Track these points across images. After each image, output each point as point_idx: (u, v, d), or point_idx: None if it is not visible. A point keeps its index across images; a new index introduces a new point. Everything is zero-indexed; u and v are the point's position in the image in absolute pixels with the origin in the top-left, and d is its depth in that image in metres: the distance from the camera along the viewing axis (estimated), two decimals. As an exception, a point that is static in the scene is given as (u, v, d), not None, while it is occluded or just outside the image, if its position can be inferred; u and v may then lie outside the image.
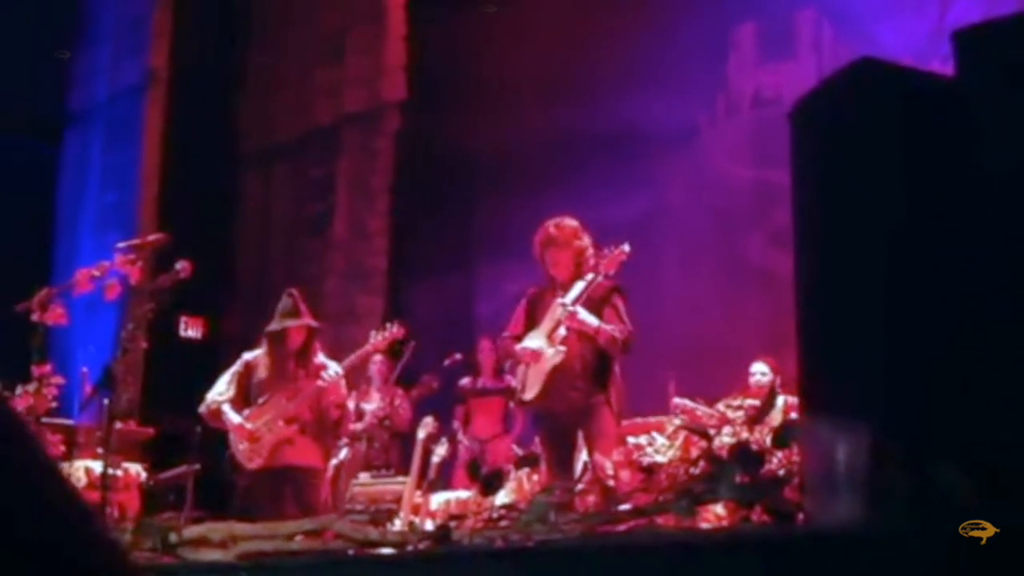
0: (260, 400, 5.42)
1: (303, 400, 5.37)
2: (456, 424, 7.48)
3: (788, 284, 2.73)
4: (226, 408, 5.44)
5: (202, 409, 5.52)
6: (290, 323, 5.45)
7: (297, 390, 5.38)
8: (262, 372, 5.48)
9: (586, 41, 8.40)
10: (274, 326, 5.49)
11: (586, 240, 5.11)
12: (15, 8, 10.26)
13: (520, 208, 7.85)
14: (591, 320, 4.94)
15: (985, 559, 1.91)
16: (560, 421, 5.06)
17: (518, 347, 5.12)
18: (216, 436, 5.75)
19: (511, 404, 6.72)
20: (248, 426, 5.35)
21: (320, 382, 5.35)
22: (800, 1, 7.91)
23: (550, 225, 5.13)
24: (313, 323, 5.55)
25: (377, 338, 5.75)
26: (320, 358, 5.51)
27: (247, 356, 5.60)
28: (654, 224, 7.79)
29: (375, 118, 9.83)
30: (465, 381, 7.51)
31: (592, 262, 5.05)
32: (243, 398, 5.49)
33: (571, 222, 5.15)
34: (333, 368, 5.41)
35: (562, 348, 4.95)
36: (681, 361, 7.29)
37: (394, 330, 5.78)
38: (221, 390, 5.52)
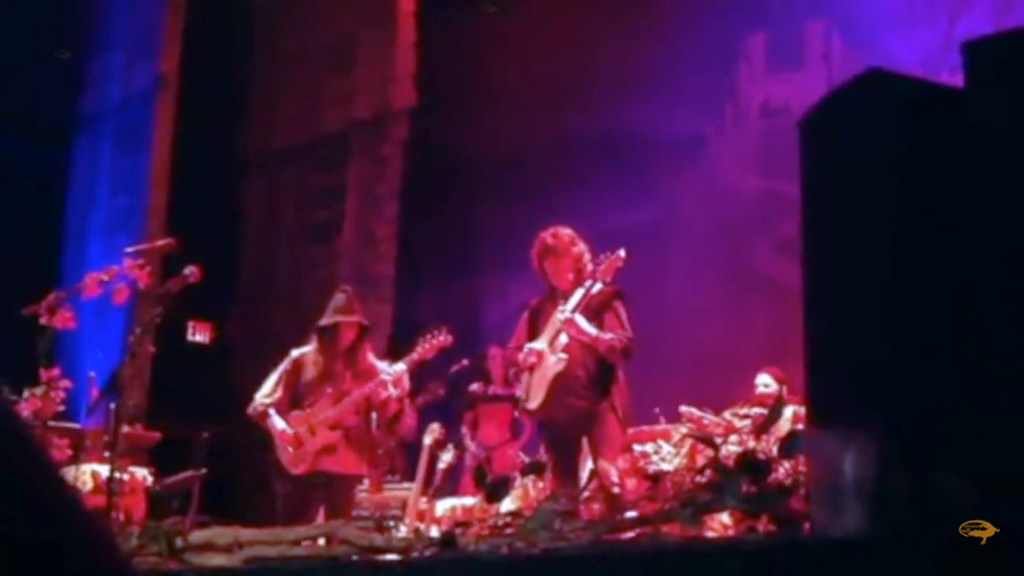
0: (306, 403, 5.36)
1: (349, 404, 5.30)
2: (464, 430, 7.48)
3: (795, 293, 2.73)
4: (272, 412, 5.36)
5: (250, 410, 5.44)
6: (342, 318, 5.38)
7: (343, 393, 5.32)
8: (310, 371, 5.40)
9: (594, 49, 8.42)
10: (325, 320, 5.40)
11: (582, 247, 5.13)
12: (26, 13, 10.31)
13: (528, 216, 7.84)
14: (589, 329, 4.94)
15: (988, 566, 1.90)
16: (565, 429, 5.06)
17: (522, 352, 5.13)
18: (225, 441, 5.75)
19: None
20: (291, 431, 5.29)
21: (384, 375, 5.27)
22: (810, 12, 7.91)
23: (546, 235, 5.15)
24: (365, 321, 5.49)
25: (424, 345, 5.56)
26: (371, 359, 5.44)
27: (295, 353, 5.50)
28: (661, 233, 7.80)
29: (383, 125, 9.85)
30: (475, 387, 7.51)
31: (590, 268, 5.06)
32: (290, 398, 5.40)
33: (566, 231, 5.16)
34: (397, 364, 5.34)
35: (564, 355, 4.96)
36: (687, 369, 7.29)
37: (442, 338, 5.57)
38: (268, 391, 5.43)
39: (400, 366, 5.35)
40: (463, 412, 7.48)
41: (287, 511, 5.29)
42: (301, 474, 5.28)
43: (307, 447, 5.27)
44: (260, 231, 10.70)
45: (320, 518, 5.17)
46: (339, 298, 5.47)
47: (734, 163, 8.18)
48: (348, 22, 10.27)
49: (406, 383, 5.44)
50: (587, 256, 5.10)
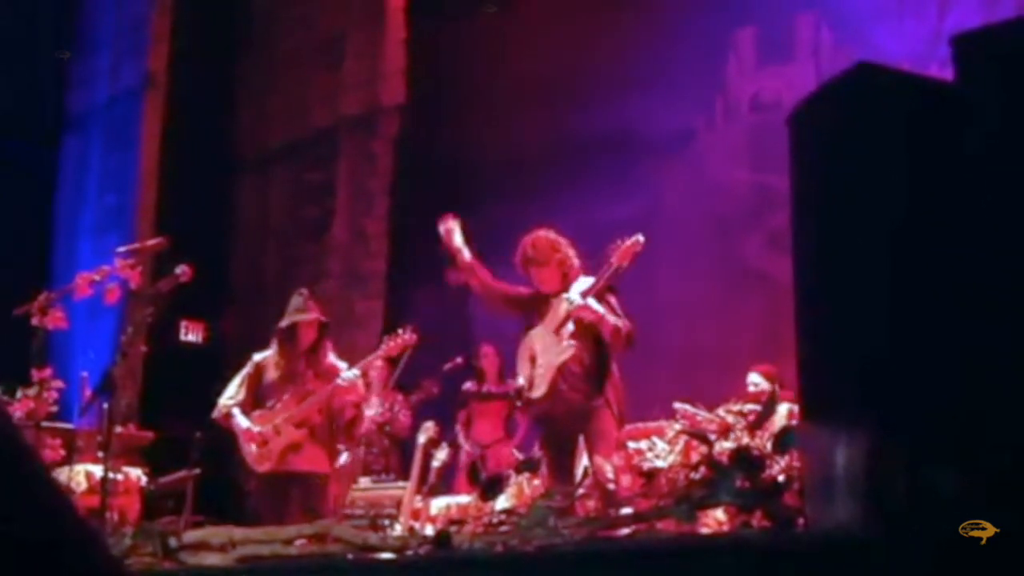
0: (269, 403, 5.42)
1: (313, 403, 5.36)
2: (458, 428, 7.48)
3: (785, 287, 2.73)
4: (236, 412, 5.44)
5: (215, 413, 5.53)
6: (300, 318, 5.45)
7: (306, 392, 5.38)
8: (272, 373, 5.48)
9: (585, 45, 8.41)
10: (284, 322, 5.49)
11: (564, 250, 5.12)
12: (14, 11, 10.26)
13: (519, 212, 7.83)
14: (599, 308, 4.94)
15: (984, 562, 1.91)
16: (561, 425, 5.06)
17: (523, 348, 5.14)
18: (218, 441, 5.75)
19: (514, 409, 6.72)
20: (256, 429, 5.35)
21: (340, 381, 5.34)
22: (799, 5, 7.91)
23: (527, 244, 5.15)
24: (323, 318, 5.54)
25: (389, 344, 5.67)
26: (331, 359, 5.50)
27: (257, 357, 5.58)
28: (651, 227, 7.76)
29: (374, 122, 9.83)
30: (468, 385, 7.51)
31: (577, 266, 5.07)
32: (253, 400, 5.48)
33: (546, 236, 5.16)
34: (351, 371, 5.40)
35: (572, 343, 4.96)
36: (677, 364, 7.30)
37: (406, 337, 5.66)
38: (231, 393, 5.53)
39: (355, 372, 5.39)
40: (457, 410, 7.48)
41: (256, 509, 5.32)
42: (268, 472, 5.33)
43: (272, 445, 5.34)
44: (250, 228, 10.68)
45: (295, 517, 5.17)
46: (296, 300, 5.55)
47: (724, 157, 8.18)
48: (337, 18, 10.24)
49: (361, 389, 5.53)
50: (572, 258, 5.11)
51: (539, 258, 5.10)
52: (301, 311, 5.49)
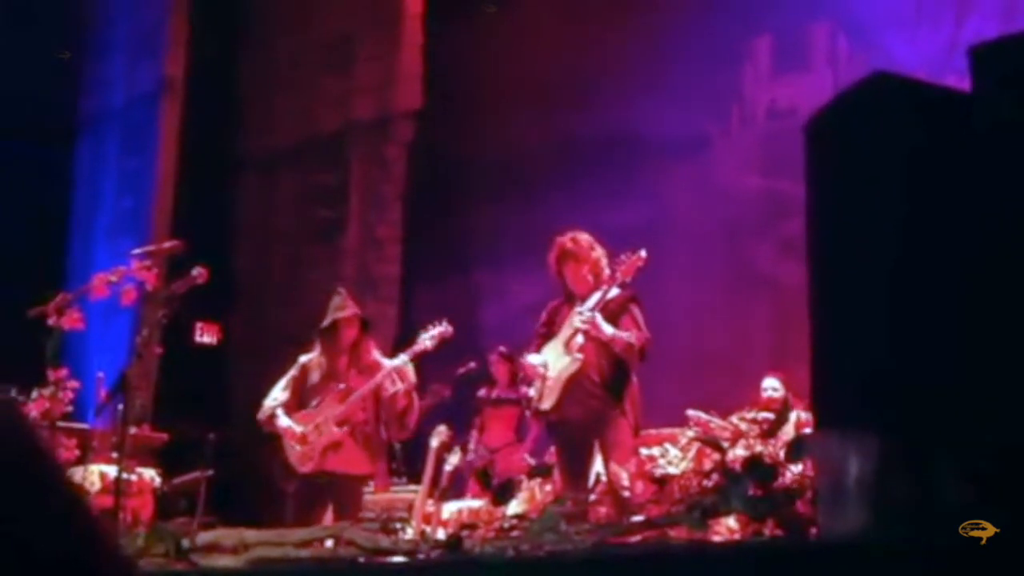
0: (313, 403, 5.41)
1: (355, 400, 5.33)
2: (473, 434, 7.48)
3: (796, 295, 2.73)
4: (279, 412, 5.42)
5: (259, 416, 5.52)
6: (340, 315, 5.44)
7: (348, 391, 5.36)
8: (315, 375, 5.47)
9: (599, 50, 8.42)
10: (325, 321, 5.48)
11: (600, 252, 5.13)
12: (31, 15, 10.33)
13: (531, 217, 7.86)
14: (607, 328, 4.96)
15: (992, 570, 1.91)
16: (576, 431, 5.07)
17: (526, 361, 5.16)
18: (231, 443, 5.76)
19: (525, 414, 6.72)
20: (298, 429, 5.33)
21: (388, 368, 5.31)
22: (816, 14, 7.91)
23: (566, 240, 5.14)
24: (362, 314, 5.54)
25: (425, 338, 5.60)
26: (375, 355, 5.48)
27: (303, 359, 5.56)
28: (664, 233, 7.79)
29: (387, 126, 9.85)
30: (482, 392, 7.52)
31: (607, 273, 5.08)
32: (298, 402, 5.46)
33: (585, 236, 5.18)
34: (401, 357, 5.39)
35: (579, 356, 4.97)
36: (687, 371, 7.29)
37: (443, 329, 5.60)
38: (276, 395, 5.51)
39: (403, 358, 5.40)
40: (471, 418, 7.47)
41: (295, 511, 5.31)
42: (308, 473, 5.31)
43: (314, 445, 5.31)
44: (263, 231, 10.71)
45: (328, 519, 5.18)
46: (335, 299, 5.55)
47: (738, 164, 8.18)
48: (350, 23, 10.27)
49: (412, 376, 5.47)
50: (604, 261, 5.11)
51: (580, 254, 5.10)
52: (340, 308, 5.47)
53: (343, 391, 5.36)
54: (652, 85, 7.87)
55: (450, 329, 5.61)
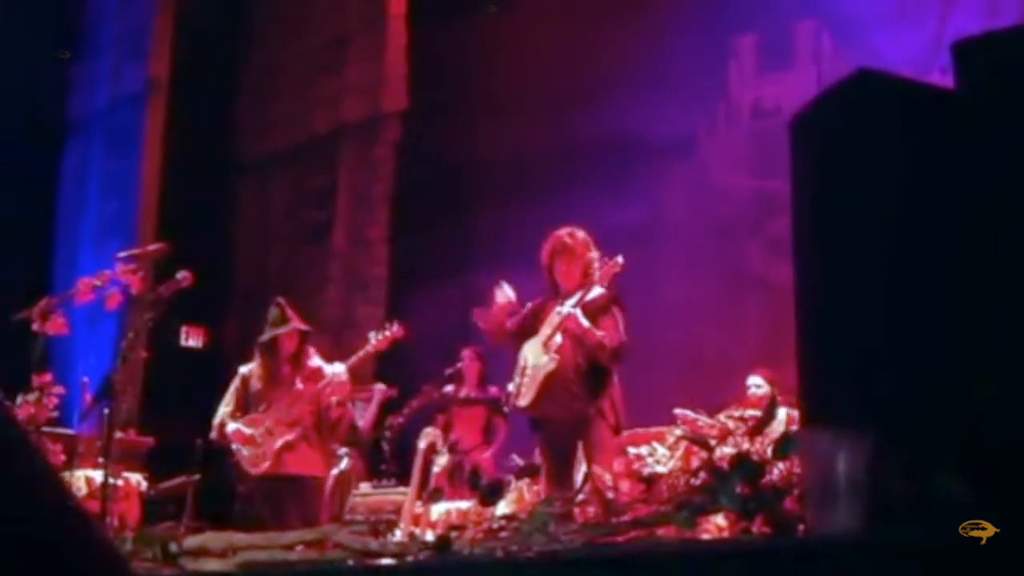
0: (260, 408, 5.46)
1: (303, 403, 5.43)
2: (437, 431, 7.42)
3: (786, 293, 2.73)
4: (228, 421, 5.54)
5: (212, 433, 5.64)
6: (279, 331, 5.52)
7: (297, 394, 5.44)
8: (257, 383, 5.57)
9: (586, 51, 8.42)
10: (264, 337, 5.57)
11: (595, 252, 5.14)
12: (16, 15, 10.27)
13: (520, 217, 7.86)
14: (583, 321, 4.97)
15: (987, 567, 1.91)
16: (558, 431, 5.08)
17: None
18: (219, 446, 5.77)
19: (494, 415, 6.72)
20: (247, 431, 5.41)
21: (325, 377, 5.38)
22: (800, 11, 7.93)
23: (563, 234, 5.15)
24: (302, 326, 5.60)
25: (377, 339, 5.73)
26: (315, 361, 5.57)
27: (243, 369, 5.68)
28: (653, 233, 7.81)
29: (375, 127, 9.84)
30: (448, 389, 7.45)
31: (597, 276, 5.10)
32: (243, 410, 5.57)
33: (582, 233, 5.19)
34: (337, 366, 5.44)
35: (556, 356, 4.99)
36: (677, 370, 7.30)
37: (394, 330, 5.74)
38: (222, 410, 5.64)
39: (340, 367, 5.45)
40: (434, 414, 7.41)
41: (251, 513, 5.33)
42: (263, 474, 5.36)
43: (266, 447, 5.40)
44: (252, 234, 10.69)
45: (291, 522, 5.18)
46: (273, 311, 5.64)
47: (726, 163, 8.19)
48: (339, 24, 10.25)
49: (347, 387, 5.57)
50: (596, 263, 5.12)
51: (576, 250, 5.11)
52: (279, 323, 5.56)
53: (291, 395, 5.42)
54: (640, 85, 7.88)
55: (401, 331, 5.68)
